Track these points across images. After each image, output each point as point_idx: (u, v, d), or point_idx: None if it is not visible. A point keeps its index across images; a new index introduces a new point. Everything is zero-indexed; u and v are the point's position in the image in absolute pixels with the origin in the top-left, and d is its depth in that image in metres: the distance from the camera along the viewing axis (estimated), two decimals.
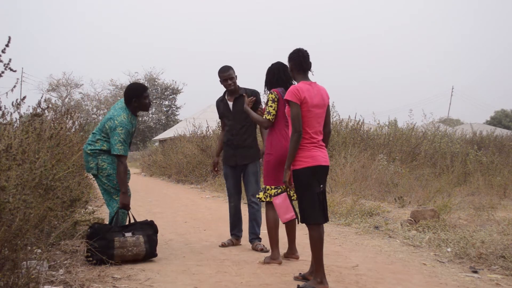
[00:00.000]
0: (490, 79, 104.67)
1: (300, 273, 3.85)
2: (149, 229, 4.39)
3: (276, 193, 4.13)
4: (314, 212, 3.57)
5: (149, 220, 4.55)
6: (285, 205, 3.88)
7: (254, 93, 5.10)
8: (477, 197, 8.52)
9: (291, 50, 3.81)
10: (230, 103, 5.15)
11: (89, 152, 4.45)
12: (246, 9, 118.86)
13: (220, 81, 5.10)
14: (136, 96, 4.50)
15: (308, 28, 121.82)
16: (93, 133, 4.55)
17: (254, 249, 5.00)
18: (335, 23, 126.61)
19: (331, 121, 12.49)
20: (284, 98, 3.75)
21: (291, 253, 4.51)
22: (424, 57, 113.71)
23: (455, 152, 12.56)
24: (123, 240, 4.18)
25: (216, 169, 5.56)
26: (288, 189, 4.00)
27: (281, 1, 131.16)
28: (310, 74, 3.82)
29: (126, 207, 4.37)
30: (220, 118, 5.33)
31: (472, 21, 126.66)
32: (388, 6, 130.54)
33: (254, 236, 5.05)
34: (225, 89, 5.19)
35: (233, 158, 5.10)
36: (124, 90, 4.63)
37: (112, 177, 4.43)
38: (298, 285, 3.56)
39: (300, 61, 3.73)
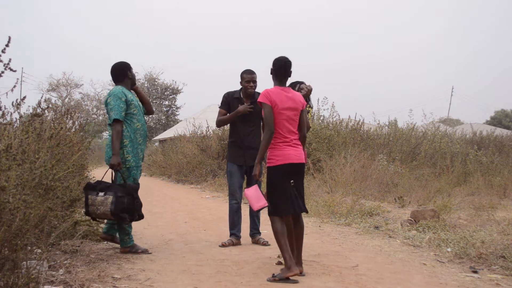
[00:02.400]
0: (490, 79, 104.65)
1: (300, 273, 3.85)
2: (120, 190, 4.42)
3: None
4: (281, 206, 3.84)
5: (127, 183, 4.53)
6: (256, 195, 4.05)
7: None
8: (477, 197, 8.54)
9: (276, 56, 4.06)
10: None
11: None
12: (249, 11, 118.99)
13: (242, 82, 5.22)
14: (128, 68, 4.72)
15: (309, 27, 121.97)
16: (110, 126, 4.55)
17: (256, 243, 5.25)
18: (335, 22, 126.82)
19: (331, 121, 12.56)
20: (257, 100, 4.02)
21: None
22: (424, 57, 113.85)
23: (455, 152, 12.57)
24: (94, 198, 4.40)
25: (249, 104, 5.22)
26: (258, 182, 4.31)
27: (280, 1, 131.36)
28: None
29: (113, 166, 4.46)
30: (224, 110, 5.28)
31: (472, 21, 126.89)
32: (388, 5, 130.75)
33: (255, 231, 5.33)
34: (240, 88, 5.29)
35: (242, 158, 5.26)
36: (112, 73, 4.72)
37: (134, 170, 4.61)
38: (273, 274, 3.79)
39: (279, 69, 3.99)
